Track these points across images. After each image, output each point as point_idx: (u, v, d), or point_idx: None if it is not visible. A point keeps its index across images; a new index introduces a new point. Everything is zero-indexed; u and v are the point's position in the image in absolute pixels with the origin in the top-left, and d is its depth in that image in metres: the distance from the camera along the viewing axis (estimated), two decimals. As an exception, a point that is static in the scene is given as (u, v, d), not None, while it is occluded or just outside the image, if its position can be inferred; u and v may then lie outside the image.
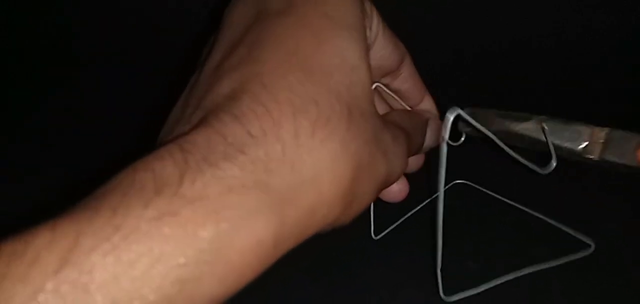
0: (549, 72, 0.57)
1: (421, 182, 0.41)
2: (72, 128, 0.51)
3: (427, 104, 0.30)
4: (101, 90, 0.57)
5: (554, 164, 0.26)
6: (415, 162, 0.31)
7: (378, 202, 0.26)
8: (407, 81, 0.28)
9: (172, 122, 0.19)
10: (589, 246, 0.35)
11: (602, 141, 0.30)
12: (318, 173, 0.17)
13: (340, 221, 0.19)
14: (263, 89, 0.17)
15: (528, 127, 0.33)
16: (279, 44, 0.19)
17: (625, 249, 0.35)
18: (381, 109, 0.29)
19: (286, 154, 0.17)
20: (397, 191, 0.28)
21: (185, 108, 0.19)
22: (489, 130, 0.32)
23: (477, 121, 0.34)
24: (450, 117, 0.24)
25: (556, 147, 0.30)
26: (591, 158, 0.31)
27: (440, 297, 0.31)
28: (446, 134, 0.24)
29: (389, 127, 0.22)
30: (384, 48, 0.25)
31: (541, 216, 0.38)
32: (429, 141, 0.28)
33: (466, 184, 0.42)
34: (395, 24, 0.30)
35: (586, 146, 0.30)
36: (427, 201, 0.40)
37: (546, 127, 0.26)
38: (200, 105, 0.18)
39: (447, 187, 0.41)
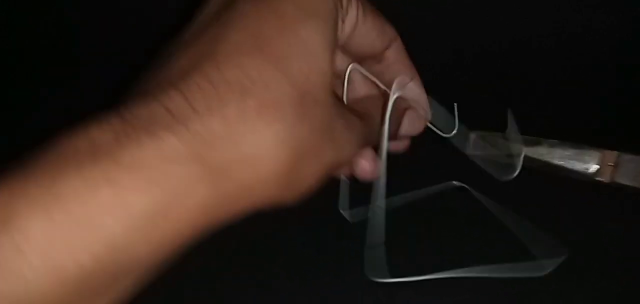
0: (549, 72, 0.57)
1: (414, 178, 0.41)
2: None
3: (414, 89, 0.30)
4: (101, 90, 0.57)
5: (516, 172, 0.27)
6: (398, 145, 0.32)
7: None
8: (392, 65, 0.28)
9: (134, 93, 0.20)
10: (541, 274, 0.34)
11: (612, 164, 0.31)
12: (258, 153, 0.18)
13: (283, 200, 0.20)
14: (215, 67, 0.18)
15: (538, 151, 0.33)
16: (243, 26, 0.19)
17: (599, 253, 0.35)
18: (363, 89, 0.29)
19: (228, 132, 0.17)
20: (366, 167, 0.29)
21: (145, 82, 0.19)
22: (495, 152, 0.32)
23: (484, 144, 0.35)
24: (392, 98, 0.25)
25: (568, 171, 0.31)
26: (602, 181, 0.31)
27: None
28: (388, 114, 0.25)
29: (345, 115, 0.23)
30: (365, 35, 0.25)
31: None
32: (406, 128, 0.29)
33: (462, 186, 0.42)
34: (395, 24, 0.30)
35: (597, 169, 0.31)
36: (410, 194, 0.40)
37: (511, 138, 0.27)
38: (156, 79, 0.19)
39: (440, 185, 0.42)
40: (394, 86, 0.26)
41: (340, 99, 0.24)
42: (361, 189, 0.39)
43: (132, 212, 0.15)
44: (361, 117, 0.25)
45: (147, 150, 0.16)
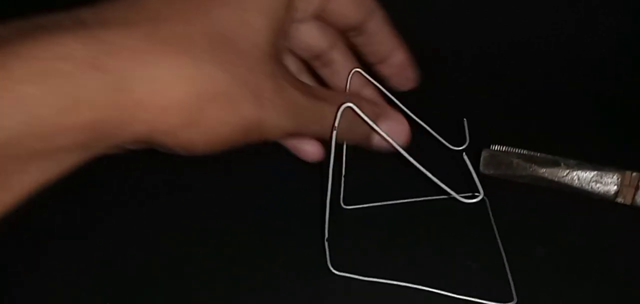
0: (549, 73, 0.57)
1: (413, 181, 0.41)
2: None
3: (398, 58, 0.30)
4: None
5: (480, 196, 0.26)
6: (380, 143, 0.30)
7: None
8: (374, 36, 0.28)
9: None
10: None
11: (633, 186, 0.30)
12: (161, 77, 0.18)
13: (191, 141, 0.20)
14: (152, 14, 0.19)
15: (556, 173, 0.33)
16: None
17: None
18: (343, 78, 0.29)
19: (135, 47, 0.18)
20: (309, 151, 0.29)
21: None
22: (514, 174, 0.32)
23: (498, 162, 0.34)
24: (341, 109, 0.24)
25: (589, 193, 0.30)
26: (623, 203, 0.31)
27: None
28: (336, 123, 0.25)
29: (283, 85, 0.22)
30: (341, 5, 0.25)
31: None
32: (378, 143, 0.27)
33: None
34: (395, 24, 0.30)
35: (618, 191, 0.31)
36: (411, 200, 0.40)
37: (467, 159, 0.26)
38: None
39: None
40: (345, 101, 0.25)
41: (287, 70, 0.24)
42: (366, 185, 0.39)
43: (22, 100, 0.15)
44: (315, 97, 0.24)
45: (45, 45, 0.16)
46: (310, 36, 0.27)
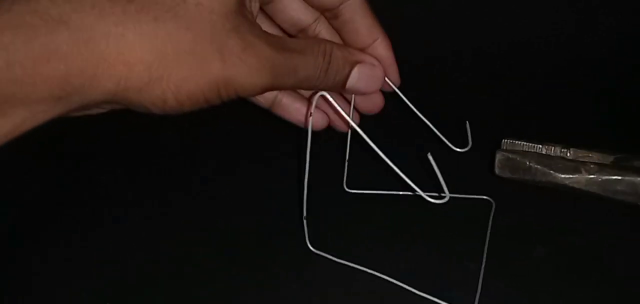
0: (549, 72, 0.57)
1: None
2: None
3: (380, 49, 0.29)
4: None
5: (446, 197, 0.26)
6: (369, 104, 0.32)
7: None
8: (348, 23, 0.28)
9: None
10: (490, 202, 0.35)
11: None
12: (125, 34, 0.19)
13: (161, 98, 0.21)
14: None
15: (577, 180, 0.32)
16: None
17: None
18: (307, 19, 0.29)
19: (98, 4, 0.19)
20: (294, 109, 0.30)
21: None
22: (529, 178, 0.31)
23: (514, 166, 0.33)
24: (315, 97, 0.25)
25: (611, 200, 0.29)
26: None
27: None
28: (312, 110, 0.25)
29: (251, 40, 0.23)
30: None
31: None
32: (355, 82, 0.28)
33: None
34: (394, 24, 0.30)
35: None
36: (409, 193, 0.41)
37: (432, 161, 0.25)
38: None
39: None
40: (316, 96, 0.26)
41: (255, 25, 0.24)
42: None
43: (11, 51, 0.18)
44: (286, 50, 0.24)
45: (20, 2, 0.18)
46: (293, 8, 0.28)
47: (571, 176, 0.32)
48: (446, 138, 0.33)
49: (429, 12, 0.58)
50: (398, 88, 0.31)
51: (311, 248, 0.34)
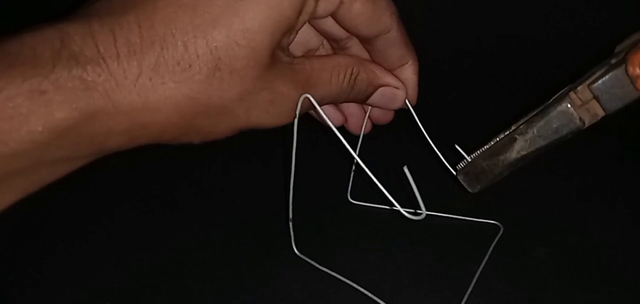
0: (548, 72, 0.56)
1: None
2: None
3: (407, 73, 0.29)
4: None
5: (423, 213, 0.25)
6: (381, 115, 0.32)
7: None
8: (381, 52, 0.28)
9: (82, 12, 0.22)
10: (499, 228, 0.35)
11: (584, 102, 0.28)
12: (161, 104, 0.21)
13: (187, 141, 0.24)
14: (149, 13, 0.20)
15: (520, 148, 0.31)
16: None
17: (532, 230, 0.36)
18: (316, 41, 0.29)
19: (139, 79, 0.20)
20: (333, 117, 0.31)
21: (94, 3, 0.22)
22: (495, 176, 0.30)
23: (473, 176, 0.32)
24: (300, 99, 0.25)
25: (562, 141, 0.28)
26: (588, 123, 0.28)
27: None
28: (298, 111, 0.25)
29: (279, 85, 0.23)
30: (351, 20, 0.25)
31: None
32: (376, 101, 0.29)
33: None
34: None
35: (578, 122, 0.28)
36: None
37: (409, 175, 0.25)
38: (101, 3, 0.21)
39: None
40: (301, 98, 0.26)
41: (285, 67, 0.24)
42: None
43: (54, 122, 0.19)
44: (309, 84, 0.25)
45: (73, 76, 0.19)
46: (328, 25, 0.27)
47: (512, 149, 0.31)
48: (454, 148, 0.32)
49: (427, 12, 0.58)
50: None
51: (297, 252, 0.35)
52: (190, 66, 0.21)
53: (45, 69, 0.19)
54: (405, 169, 0.24)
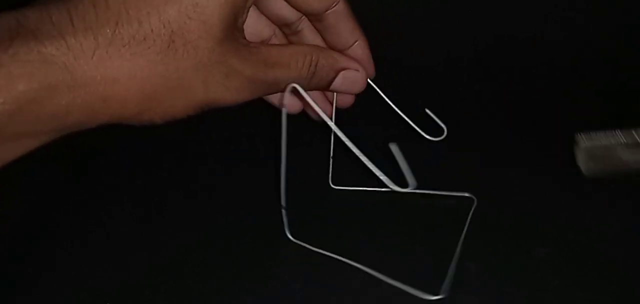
0: (545, 73, 0.56)
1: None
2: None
3: (359, 50, 0.31)
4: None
5: (411, 184, 0.26)
6: (342, 99, 0.33)
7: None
8: (332, 27, 0.29)
9: None
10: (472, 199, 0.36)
11: None
12: (119, 76, 0.22)
13: (149, 120, 0.24)
14: (114, 17, 0.21)
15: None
16: None
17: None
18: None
19: (96, 52, 0.21)
20: (289, 104, 0.30)
21: None
22: (620, 169, 0.29)
23: (599, 154, 0.30)
24: (288, 88, 0.26)
25: None
26: None
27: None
28: (285, 101, 0.27)
29: (234, 61, 0.24)
30: None
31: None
32: (338, 85, 0.30)
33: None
34: (392, 25, 0.30)
35: None
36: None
37: (395, 152, 0.25)
38: None
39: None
40: (288, 88, 0.27)
41: (240, 46, 0.25)
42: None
43: (15, 94, 0.20)
44: (268, 66, 0.26)
45: (32, 50, 0.20)
46: (278, 7, 0.29)
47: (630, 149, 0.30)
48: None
49: (425, 12, 0.58)
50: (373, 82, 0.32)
51: (290, 237, 0.36)
52: (144, 39, 0.22)
53: (2, 45, 0.20)
54: (392, 146, 0.25)
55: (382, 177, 0.27)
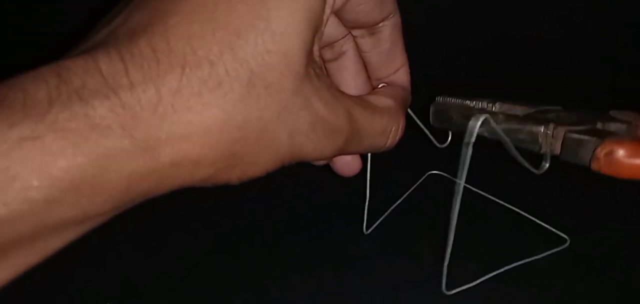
0: (542, 72, 0.57)
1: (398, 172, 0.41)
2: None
3: (402, 77, 0.27)
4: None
5: (546, 165, 0.26)
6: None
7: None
8: (384, 41, 0.26)
9: (81, 46, 0.19)
10: (565, 240, 0.35)
11: (558, 136, 0.29)
12: (190, 132, 0.17)
13: (225, 181, 0.19)
14: (162, 33, 0.17)
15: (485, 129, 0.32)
16: None
17: (599, 244, 0.36)
18: (357, 83, 0.27)
19: (160, 108, 0.16)
20: (348, 169, 0.28)
21: (94, 36, 0.18)
22: (452, 128, 0.31)
23: (441, 111, 0.33)
24: (477, 124, 0.23)
25: (510, 145, 0.29)
26: (542, 152, 0.29)
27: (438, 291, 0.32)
28: (472, 139, 0.23)
29: (319, 106, 0.20)
30: (362, 3, 0.23)
31: (519, 211, 0.39)
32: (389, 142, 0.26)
33: (440, 175, 0.43)
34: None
35: (538, 147, 0.29)
36: (408, 191, 0.42)
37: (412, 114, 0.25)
38: (105, 34, 0.18)
39: (421, 180, 0.43)
40: (474, 118, 0.23)
41: (325, 85, 0.21)
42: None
43: (55, 173, 0.15)
44: (356, 124, 0.22)
45: (76, 115, 0.15)
46: (328, 24, 0.24)
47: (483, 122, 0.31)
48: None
49: (424, 12, 0.58)
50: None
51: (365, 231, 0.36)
52: (219, 85, 0.17)
53: (38, 111, 0.15)
54: (409, 111, 0.25)
55: (425, 130, 0.28)
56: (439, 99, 0.33)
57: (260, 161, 0.19)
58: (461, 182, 0.25)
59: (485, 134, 0.30)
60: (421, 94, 0.35)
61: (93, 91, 0.16)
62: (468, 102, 0.33)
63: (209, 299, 0.33)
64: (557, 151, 0.29)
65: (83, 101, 0.16)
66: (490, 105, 0.33)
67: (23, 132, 0.15)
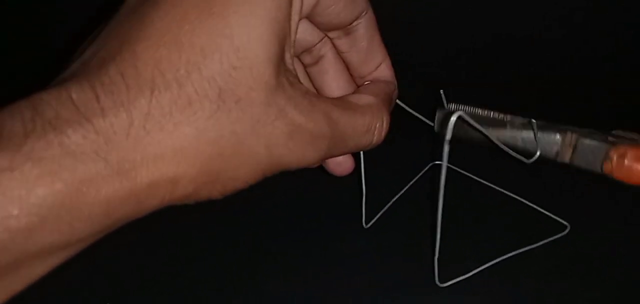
0: (542, 73, 0.57)
1: (400, 165, 0.41)
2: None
3: (385, 72, 0.27)
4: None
5: (538, 153, 0.26)
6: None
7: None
8: (360, 40, 0.26)
9: (56, 80, 0.19)
10: (565, 227, 0.36)
11: (571, 145, 0.30)
12: (164, 152, 0.17)
13: (207, 197, 0.20)
14: (131, 59, 0.17)
15: (505, 135, 0.32)
16: (168, 11, 0.18)
17: (598, 230, 0.36)
18: (341, 85, 0.27)
19: (132, 131, 0.17)
20: (341, 169, 0.28)
21: (69, 68, 0.19)
22: (462, 136, 0.31)
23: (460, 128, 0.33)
24: (453, 119, 0.23)
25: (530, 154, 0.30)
26: (562, 162, 0.30)
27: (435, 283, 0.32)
28: (448, 135, 0.23)
29: (295, 115, 0.20)
30: (332, 5, 0.23)
31: (521, 199, 0.39)
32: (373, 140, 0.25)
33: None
34: (390, 24, 0.30)
35: (558, 151, 0.30)
36: (410, 183, 0.42)
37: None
38: (78, 66, 0.18)
39: (424, 170, 0.43)
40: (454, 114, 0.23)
41: (299, 92, 0.21)
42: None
43: (34, 201, 0.16)
44: (343, 112, 0.22)
45: (51, 143, 0.16)
46: (301, 30, 0.25)
47: (499, 130, 0.32)
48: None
49: (424, 12, 0.58)
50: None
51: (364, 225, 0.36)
52: (189, 104, 0.18)
53: (15, 143, 0.15)
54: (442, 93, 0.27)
55: (506, 149, 0.27)
56: (449, 106, 0.33)
57: (239, 175, 0.20)
58: (441, 181, 0.26)
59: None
60: (421, 94, 0.36)
61: (66, 120, 0.16)
62: (480, 111, 0.33)
63: (209, 297, 0.33)
64: (567, 158, 0.29)
65: (57, 130, 0.16)
66: (503, 116, 0.33)
67: (1, 164, 0.15)
